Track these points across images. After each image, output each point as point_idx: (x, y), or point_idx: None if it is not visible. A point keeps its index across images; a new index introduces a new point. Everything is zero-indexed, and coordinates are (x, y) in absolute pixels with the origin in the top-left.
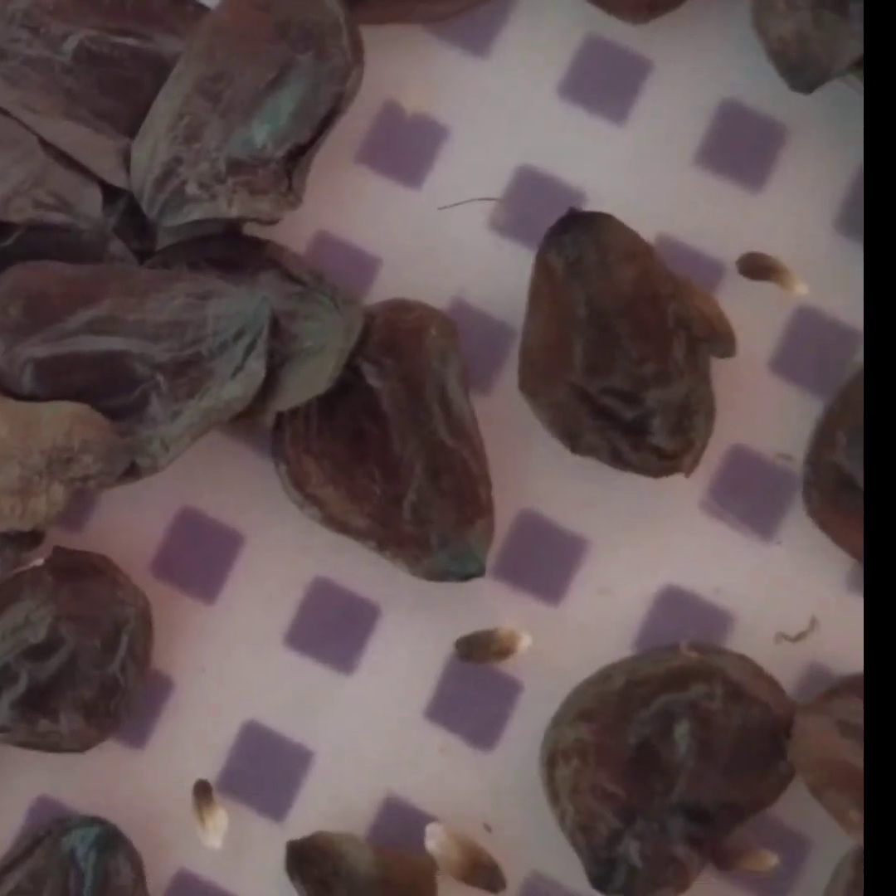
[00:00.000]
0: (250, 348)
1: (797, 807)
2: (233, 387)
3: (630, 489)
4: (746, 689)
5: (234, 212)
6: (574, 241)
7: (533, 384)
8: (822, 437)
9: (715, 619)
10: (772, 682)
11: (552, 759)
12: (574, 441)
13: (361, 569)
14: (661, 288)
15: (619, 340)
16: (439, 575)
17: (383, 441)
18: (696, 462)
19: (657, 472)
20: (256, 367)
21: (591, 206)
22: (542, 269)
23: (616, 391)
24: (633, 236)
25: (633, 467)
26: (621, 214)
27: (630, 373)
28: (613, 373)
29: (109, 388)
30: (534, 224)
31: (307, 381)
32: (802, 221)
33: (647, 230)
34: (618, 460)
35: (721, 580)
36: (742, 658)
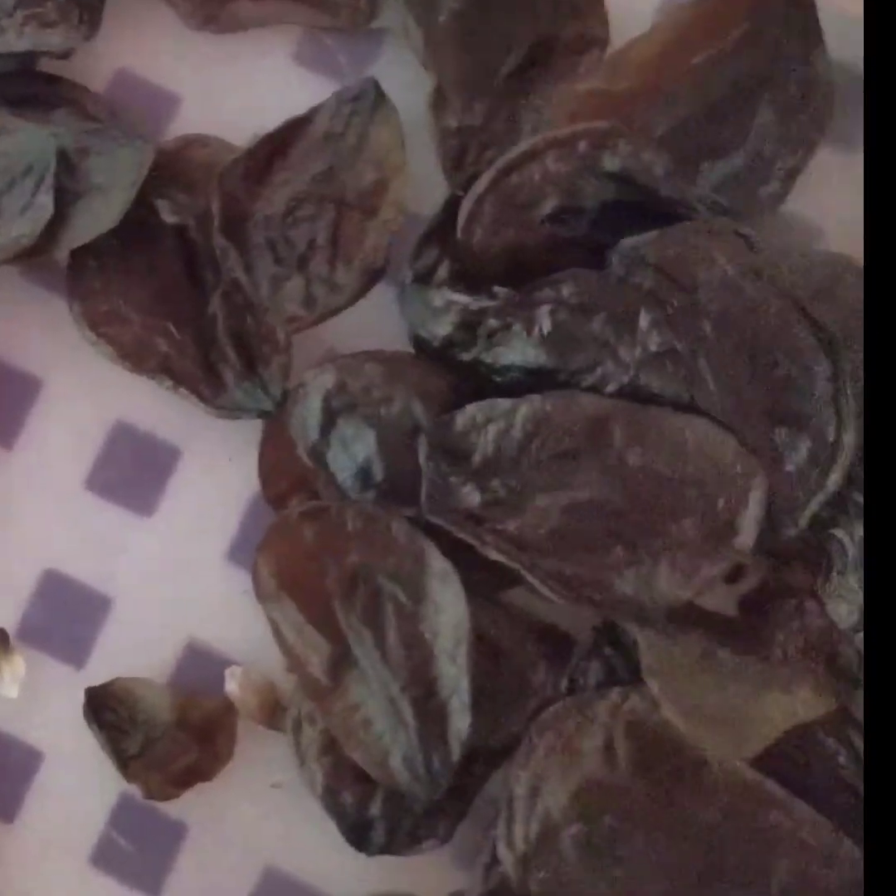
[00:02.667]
0: (38, 184)
1: None
2: (21, 223)
3: None
4: None
5: (22, 44)
6: None
7: None
8: None
9: None
10: None
11: None
12: None
13: (162, 411)
14: None
15: None
16: (234, 411)
17: (179, 278)
18: None
19: None
20: (44, 202)
21: None
22: None
23: None
24: None
25: None
26: None
27: None
28: None
29: None
30: (338, 57)
31: (97, 217)
32: None
33: None
34: None
35: None
36: None
